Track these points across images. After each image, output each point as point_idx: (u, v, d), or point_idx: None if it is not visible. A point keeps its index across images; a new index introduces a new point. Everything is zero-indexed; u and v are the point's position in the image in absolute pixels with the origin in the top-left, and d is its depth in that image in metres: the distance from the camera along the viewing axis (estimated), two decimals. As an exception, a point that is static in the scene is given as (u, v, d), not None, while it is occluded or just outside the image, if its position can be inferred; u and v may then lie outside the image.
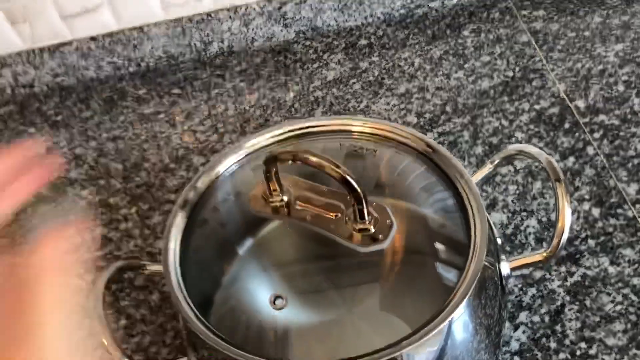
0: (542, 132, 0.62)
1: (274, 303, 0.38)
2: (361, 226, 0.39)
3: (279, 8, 0.75)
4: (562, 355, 0.46)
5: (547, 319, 0.48)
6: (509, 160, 0.47)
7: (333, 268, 0.41)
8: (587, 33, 0.73)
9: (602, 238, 0.53)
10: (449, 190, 0.42)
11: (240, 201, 0.45)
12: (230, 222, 0.45)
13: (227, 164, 0.46)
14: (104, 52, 0.76)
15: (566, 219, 0.40)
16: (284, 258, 0.42)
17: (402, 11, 0.78)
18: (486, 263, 0.38)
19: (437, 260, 0.41)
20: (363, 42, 0.76)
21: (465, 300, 0.36)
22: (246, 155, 0.47)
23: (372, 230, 0.39)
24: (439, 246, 0.41)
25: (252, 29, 0.77)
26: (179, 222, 0.43)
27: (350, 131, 0.47)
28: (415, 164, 0.45)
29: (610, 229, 0.53)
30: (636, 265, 0.50)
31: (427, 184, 0.44)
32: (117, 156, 0.68)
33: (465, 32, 0.75)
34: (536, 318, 0.48)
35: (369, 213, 0.39)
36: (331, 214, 0.41)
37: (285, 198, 0.42)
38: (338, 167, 0.37)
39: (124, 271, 0.45)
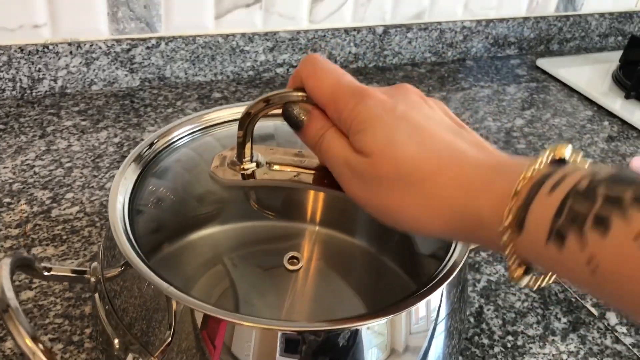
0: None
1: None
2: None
3: (128, 50, 0.70)
4: (496, 349, 0.47)
5: (472, 320, 0.49)
6: None
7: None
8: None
9: (490, 251, 0.57)
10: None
11: (199, 171, 0.38)
12: (188, 190, 0.37)
13: (183, 132, 0.39)
14: None
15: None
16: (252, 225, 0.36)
17: (250, 72, 0.79)
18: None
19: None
20: (217, 94, 0.74)
21: (456, 272, 0.34)
22: (204, 128, 0.40)
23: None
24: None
25: (94, 70, 0.70)
26: (129, 174, 0.34)
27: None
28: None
29: (493, 245, 0.58)
30: (522, 272, 0.55)
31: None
32: None
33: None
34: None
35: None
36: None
37: (255, 164, 0.36)
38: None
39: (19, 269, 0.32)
